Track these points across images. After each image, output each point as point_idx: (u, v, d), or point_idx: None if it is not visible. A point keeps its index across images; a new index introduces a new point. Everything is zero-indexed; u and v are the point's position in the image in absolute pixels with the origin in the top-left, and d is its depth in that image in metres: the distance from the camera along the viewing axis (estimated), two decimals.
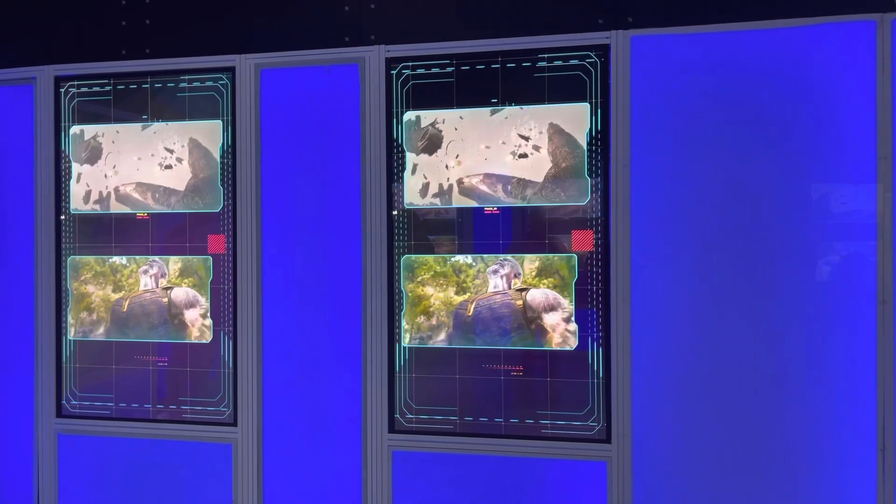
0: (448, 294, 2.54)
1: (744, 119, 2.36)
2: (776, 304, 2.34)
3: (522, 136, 2.48)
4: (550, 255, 2.47)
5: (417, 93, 2.57)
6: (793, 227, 2.33)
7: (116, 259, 2.82)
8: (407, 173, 2.57)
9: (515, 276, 2.50)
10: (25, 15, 2.95)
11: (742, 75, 2.36)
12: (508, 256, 2.50)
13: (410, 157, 2.57)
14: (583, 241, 2.45)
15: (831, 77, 2.32)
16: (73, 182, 2.85)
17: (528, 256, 2.48)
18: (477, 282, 2.52)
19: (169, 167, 2.77)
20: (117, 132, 2.82)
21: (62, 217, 2.86)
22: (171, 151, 2.76)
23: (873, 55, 2.28)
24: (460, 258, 2.54)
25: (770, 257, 2.35)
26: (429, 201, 2.55)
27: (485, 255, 2.52)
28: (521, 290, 2.49)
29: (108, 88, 2.83)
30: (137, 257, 2.80)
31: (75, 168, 2.85)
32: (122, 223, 2.82)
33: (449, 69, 2.55)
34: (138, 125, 2.80)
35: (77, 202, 2.84)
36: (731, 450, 2.38)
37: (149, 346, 2.79)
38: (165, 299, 2.77)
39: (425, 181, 2.55)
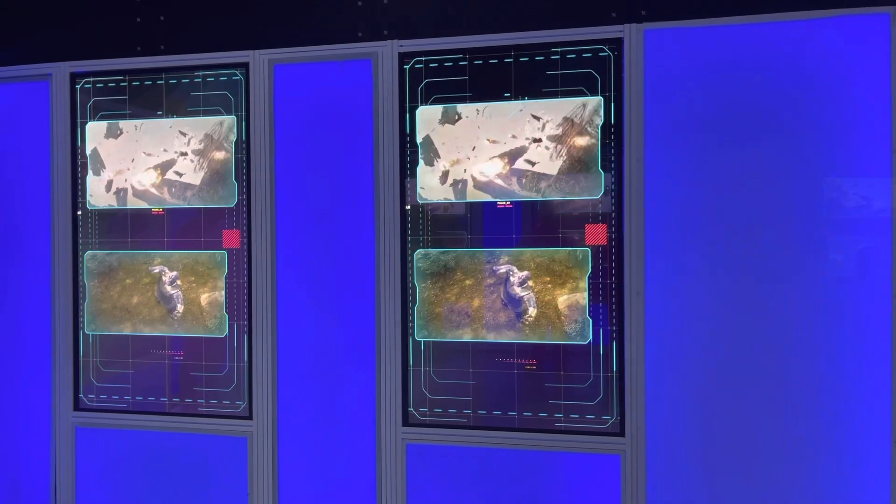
0: (444, 291, 2.56)
1: (757, 112, 2.36)
2: (789, 297, 2.34)
3: (535, 117, 2.48)
4: (562, 249, 2.48)
5: (430, 88, 2.58)
6: (806, 220, 2.33)
7: (117, 256, 2.84)
8: (422, 166, 2.57)
9: (517, 274, 2.51)
10: (41, 12, 2.97)
11: (755, 68, 2.36)
12: (512, 251, 2.51)
13: (434, 143, 2.57)
14: (596, 234, 2.46)
15: (845, 70, 2.31)
16: (90, 176, 2.87)
17: (540, 250, 2.49)
18: (470, 280, 2.53)
19: (184, 156, 2.78)
20: (134, 127, 2.84)
21: (79, 212, 2.88)
22: (187, 146, 2.78)
23: (888, 48, 2.27)
24: (454, 253, 2.55)
25: (783, 251, 2.35)
26: (445, 193, 2.56)
27: (489, 251, 2.53)
28: (527, 287, 2.50)
29: (123, 85, 2.85)
30: (137, 253, 2.82)
31: (92, 162, 2.87)
32: (137, 218, 2.84)
33: (462, 64, 2.56)
34: (154, 120, 2.82)
35: (97, 195, 2.87)
36: (744, 443, 2.38)
37: (164, 339, 2.82)
38: (174, 296, 2.80)
39: (445, 169, 2.56)
